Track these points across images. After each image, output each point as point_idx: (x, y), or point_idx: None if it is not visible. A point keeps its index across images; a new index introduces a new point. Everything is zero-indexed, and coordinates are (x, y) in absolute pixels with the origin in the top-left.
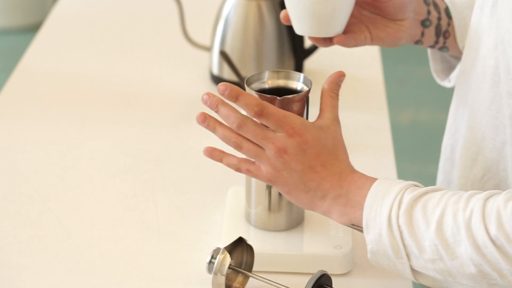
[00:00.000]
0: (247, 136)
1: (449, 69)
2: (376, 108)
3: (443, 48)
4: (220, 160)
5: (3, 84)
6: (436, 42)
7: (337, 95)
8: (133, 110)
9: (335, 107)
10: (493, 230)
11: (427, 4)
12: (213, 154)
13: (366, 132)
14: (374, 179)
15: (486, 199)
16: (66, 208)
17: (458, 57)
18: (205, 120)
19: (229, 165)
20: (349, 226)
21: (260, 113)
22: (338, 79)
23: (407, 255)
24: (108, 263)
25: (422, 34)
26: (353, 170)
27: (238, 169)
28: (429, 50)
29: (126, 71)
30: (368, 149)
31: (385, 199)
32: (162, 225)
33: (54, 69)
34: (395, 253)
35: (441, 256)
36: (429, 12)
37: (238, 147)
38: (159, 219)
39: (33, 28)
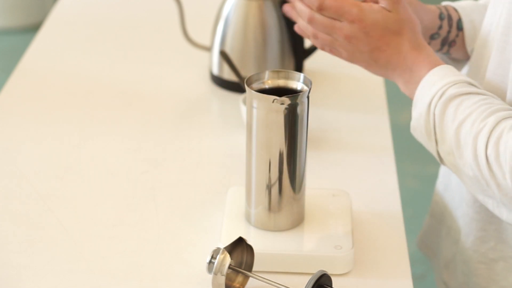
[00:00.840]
0: (317, 29)
1: (459, 69)
2: (376, 108)
3: (445, 53)
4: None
5: (3, 84)
6: (440, 49)
7: None
8: (133, 110)
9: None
10: (490, 147)
11: (441, 19)
12: (299, 27)
13: (366, 132)
14: (438, 63)
15: (503, 119)
16: (66, 208)
17: (456, 59)
18: (288, 11)
19: (314, 41)
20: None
21: (320, 7)
22: None
23: (435, 140)
24: (108, 263)
25: (428, 43)
26: (421, 47)
27: (321, 48)
28: None
29: (126, 71)
30: (368, 149)
31: (434, 86)
32: (162, 225)
33: (54, 69)
34: (427, 135)
35: (453, 151)
36: (440, 27)
37: (314, 37)
38: (159, 219)
39: (33, 28)
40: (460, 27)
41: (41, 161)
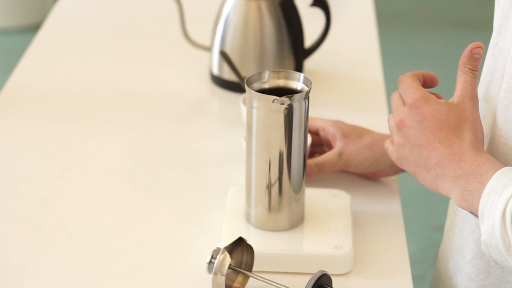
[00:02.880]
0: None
1: None
2: (376, 108)
3: None
4: None
5: (3, 84)
6: None
7: (471, 70)
8: (133, 110)
9: (467, 83)
10: None
11: None
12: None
13: None
14: (499, 166)
15: None
16: (66, 208)
17: None
18: None
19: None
20: (469, 212)
21: (399, 81)
22: (470, 52)
23: None
24: (108, 263)
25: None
26: (478, 152)
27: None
28: None
29: (126, 71)
30: None
31: (504, 191)
32: (162, 225)
33: (54, 69)
34: (506, 249)
35: None
36: None
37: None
38: (159, 219)
39: (33, 28)
40: None
41: (41, 161)
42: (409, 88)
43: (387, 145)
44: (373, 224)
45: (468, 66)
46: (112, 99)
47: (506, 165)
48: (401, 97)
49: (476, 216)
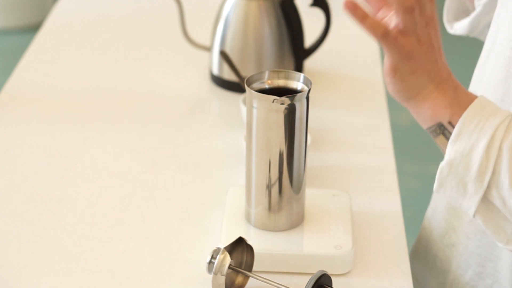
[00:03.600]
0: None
1: (462, 12)
2: (376, 108)
3: None
4: (364, 18)
5: (3, 84)
6: None
7: None
8: (133, 110)
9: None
10: None
11: None
12: (357, 10)
13: (366, 132)
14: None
15: None
16: (66, 208)
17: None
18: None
19: (373, 27)
20: (434, 126)
21: None
22: None
23: (489, 182)
24: (108, 263)
25: None
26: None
27: (385, 34)
28: None
29: (126, 71)
30: (368, 149)
31: (493, 117)
32: (162, 225)
33: (54, 69)
34: (478, 174)
35: None
36: None
37: (412, 8)
38: (159, 219)
39: (33, 28)
40: None
41: (41, 161)
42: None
43: (395, 33)
44: (373, 224)
45: None
46: (112, 99)
47: None
48: None
49: (446, 131)
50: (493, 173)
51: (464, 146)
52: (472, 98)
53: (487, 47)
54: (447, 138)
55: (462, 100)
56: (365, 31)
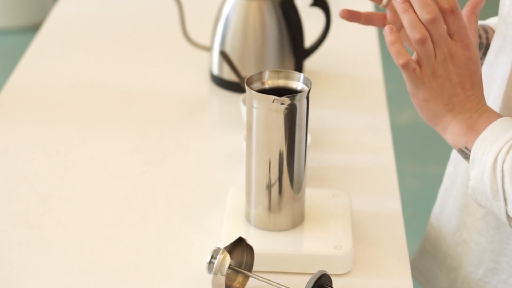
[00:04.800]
0: (433, 33)
1: None
2: (376, 108)
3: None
4: (393, 43)
5: (3, 84)
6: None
7: (477, 18)
8: (133, 110)
9: (475, 31)
10: None
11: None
12: (391, 34)
13: (366, 132)
14: (501, 116)
15: None
16: (66, 208)
17: None
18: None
19: (398, 54)
20: (458, 150)
21: (453, 11)
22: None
23: (505, 200)
24: (108, 263)
25: None
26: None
27: (405, 64)
28: None
29: (126, 71)
30: (368, 149)
31: (498, 139)
32: (162, 225)
33: (54, 69)
34: (493, 195)
35: None
36: (480, 36)
37: (422, 40)
38: (159, 219)
39: (33, 28)
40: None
41: (41, 161)
42: (465, 27)
43: (414, 65)
44: (373, 224)
45: (476, 15)
46: (112, 99)
47: None
48: (444, 28)
49: (464, 153)
50: (504, 191)
51: (478, 172)
52: (487, 125)
53: (496, 45)
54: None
55: (481, 127)
56: (390, 53)
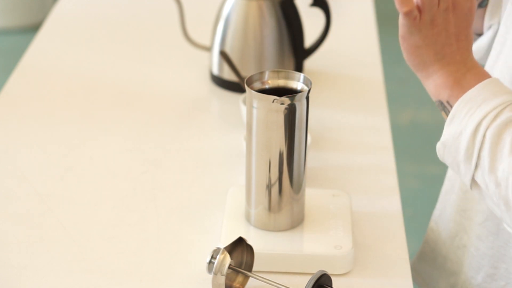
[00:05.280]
0: None
1: None
2: (376, 108)
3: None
4: None
5: (3, 84)
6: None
7: None
8: (133, 110)
9: None
10: None
11: None
12: None
13: (366, 132)
14: (489, 75)
15: None
16: (66, 208)
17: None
18: None
19: (403, 2)
20: (437, 101)
21: None
22: None
23: (476, 165)
24: (108, 263)
25: None
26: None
27: (409, 12)
28: None
29: (126, 71)
30: (368, 149)
31: (485, 102)
32: (162, 225)
33: (54, 69)
34: (465, 157)
35: (507, 185)
36: None
37: None
38: (159, 219)
39: (33, 28)
40: (483, 4)
41: (41, 161)
42: None
43: (415, 15)
44: (373, 224)
45: None
46: (112, 99)
47: None
48: None
49: (446, 109)
50: (478, 157)
51: (455, 130)
52: (474, 84)
53: (497, 48)
54: (448, 116)
55: (467, 83)
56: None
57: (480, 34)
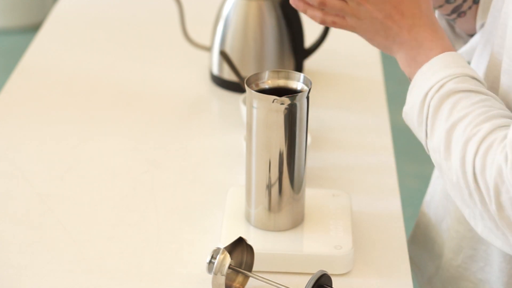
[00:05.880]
0: None
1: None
2: (376, 108)
3: (451, 20)
4: (305, 11)
5: (3, 84)
6: (449, 15)
7: None
8: (133, 110)
9: None
10: (478, 156)
11: None
12: (298, 4)
13: (366, 132)
14: (447, 47)
15: (498, 128)
16: (66, 208)
17: (458, 34)
18: None
19: (313, 17)
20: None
21: None
22: None
23: (426, 132)
24: (108, 263)
25: (440, 6)
26: (435, 26)
27: (323, 21)
28: (436, 12)
29: (126, 71)
30: (368, 149)
31: (434, 75)
32: (162, 225)
33: (54, 69)
34: (418, 125)
35: (440, 150)
36: None
37: (321, 4)
38: (159, 219)
39: (33, 28)
40: (476, 1)
41: (41, 161)
42: None
43: (332, 18)
44: (373, 224)
45: None
46: (112, 99)
47: None
48: None
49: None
50: (426, 125)
51: (411, 100)
52: (429, 58)
53: (481, 45)
54: None
55: (421, 58)
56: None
57: (472, 34)
